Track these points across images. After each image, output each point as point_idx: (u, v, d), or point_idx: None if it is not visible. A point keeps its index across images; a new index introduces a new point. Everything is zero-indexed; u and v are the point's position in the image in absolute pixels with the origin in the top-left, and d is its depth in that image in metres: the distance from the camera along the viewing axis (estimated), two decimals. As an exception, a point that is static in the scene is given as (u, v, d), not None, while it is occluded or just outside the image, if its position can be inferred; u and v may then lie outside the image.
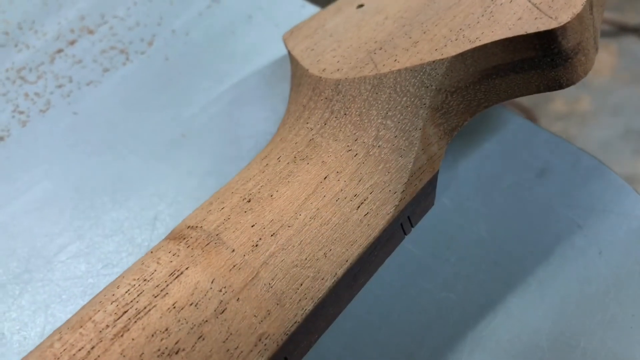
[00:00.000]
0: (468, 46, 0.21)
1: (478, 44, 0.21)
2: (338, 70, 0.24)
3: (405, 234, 0.22)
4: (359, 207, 0.20)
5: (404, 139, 0.21)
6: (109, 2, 0.36)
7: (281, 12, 0.36)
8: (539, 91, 0.22)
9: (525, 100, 0.91)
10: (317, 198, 0.20)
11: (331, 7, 0.29)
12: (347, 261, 0.20)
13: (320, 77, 0.24)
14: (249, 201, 0.20)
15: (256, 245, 0.19)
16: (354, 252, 0.20)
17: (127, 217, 0.28)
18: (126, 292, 0.18)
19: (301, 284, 0.19)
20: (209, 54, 0.34)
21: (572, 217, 0.26)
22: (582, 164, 0.27)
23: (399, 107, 0.22)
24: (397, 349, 0.24)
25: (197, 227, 0.20)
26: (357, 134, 0.22)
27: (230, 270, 0.18)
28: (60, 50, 0.34)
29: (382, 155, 0.21)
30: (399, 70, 0.22)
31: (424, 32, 0.23)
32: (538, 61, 0.21)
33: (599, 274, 0.25)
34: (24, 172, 0.30)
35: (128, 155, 0.30)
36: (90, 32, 0.35)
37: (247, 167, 0.22)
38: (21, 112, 0.32)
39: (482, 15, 0.22)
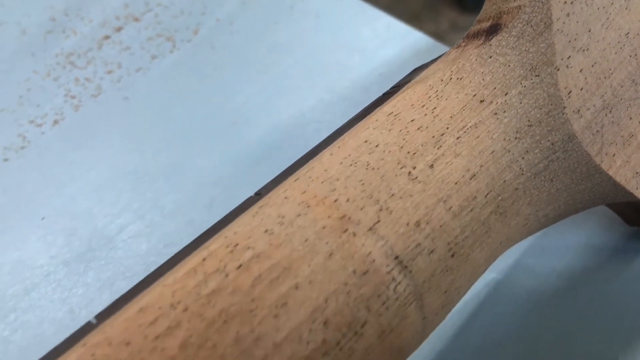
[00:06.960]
0: None
1: None
2: (579, 110, 0.19)
3: None
4: None
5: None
6: (152, -10, 0.37)
7: (321, 3, 0.37)
8: None
9: None
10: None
11: None
12: None
13: (562, 100, 0.19)
14: (453, 256, 0.17)
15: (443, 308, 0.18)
16: None
17: (183, 200, 0.29)
18: None
19: None
20: (253, 43, 0.35)
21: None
22: None
23: (577, 199, 0.20)
24: None
25: (406, 267, 0.17)
26: (538, 205, 0.19)
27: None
28: (107, 37, 0.35)
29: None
30: (612, 180, 0.20)
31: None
32: None
33: None
34: (80, 156, 0.31)
35: (181, 141, 0.31)
36: (136, 19, 0.36)
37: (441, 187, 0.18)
38: (73, 97, 0.33)
39: None
